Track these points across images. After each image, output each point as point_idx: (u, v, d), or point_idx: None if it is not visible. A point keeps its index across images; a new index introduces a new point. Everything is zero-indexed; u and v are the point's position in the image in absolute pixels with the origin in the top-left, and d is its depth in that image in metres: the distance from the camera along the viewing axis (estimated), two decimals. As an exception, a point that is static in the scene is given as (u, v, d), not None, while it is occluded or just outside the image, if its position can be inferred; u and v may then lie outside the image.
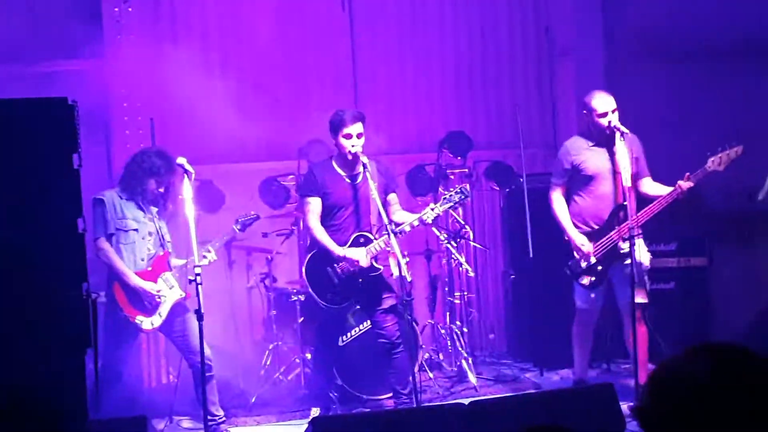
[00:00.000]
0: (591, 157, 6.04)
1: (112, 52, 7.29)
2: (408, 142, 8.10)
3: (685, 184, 5.76)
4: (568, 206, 6.14)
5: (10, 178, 3.87)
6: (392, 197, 5.98)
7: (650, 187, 5.99)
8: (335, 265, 5.78)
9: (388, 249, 5.72)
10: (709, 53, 7.47)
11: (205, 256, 5.79)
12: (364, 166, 5.68)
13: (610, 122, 5.85)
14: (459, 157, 7.67)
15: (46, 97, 3.88)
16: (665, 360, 1.94)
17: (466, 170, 7.69)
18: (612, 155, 5.94)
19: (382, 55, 8.17)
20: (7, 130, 3.85)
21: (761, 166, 6.97)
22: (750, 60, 7.39)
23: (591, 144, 6.05)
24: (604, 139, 5.97)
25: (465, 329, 7.34)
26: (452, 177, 7.61)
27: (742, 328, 6.91)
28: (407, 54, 8.24)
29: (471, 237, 7.56)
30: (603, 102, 5.92)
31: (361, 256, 5.73)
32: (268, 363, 6.81)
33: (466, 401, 5.21)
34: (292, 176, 7.29)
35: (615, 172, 5.94)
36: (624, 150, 5.75)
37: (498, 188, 7.71)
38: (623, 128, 5.81)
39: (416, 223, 5.73)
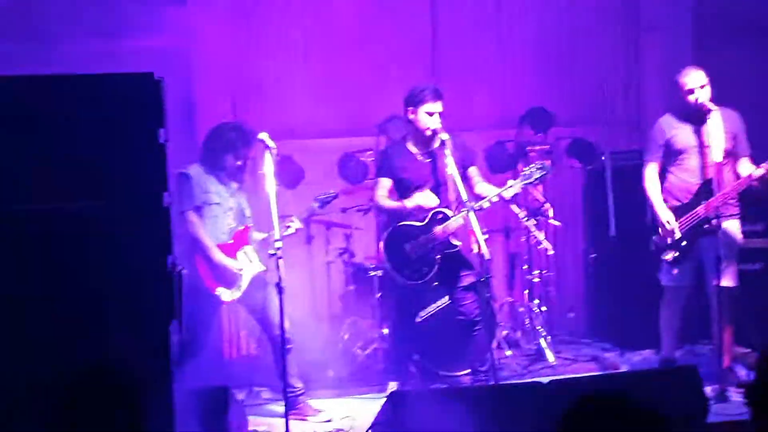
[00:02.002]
0: (680, 132, 5.98)
1: (197, 30, 7.38)
2: (488, 117, 8.02)
3: (757, 173, 5.64)
4: (662, 182, 6.06)
5: (98, 152, 3.93)
6: (472, 170, 5.94)
7: (744, 168, 5.85)
8: (413, 241, 5.78)
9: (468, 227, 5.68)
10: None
11: (289, 226, 5.88)
12: (443, 142, 5.64)
13: (697, 99, 5.75)
14: (540, 134, 7.57)
15: (133, 72, 3.93)
16: None
17: (547, 147, 7.59)
18: (701, 131, 5.84)
19: (462, 30, 8.08)
20: (96, 105, 3.91)
21: None
22: None
23: (681, 119, 5.98)
24: (694, 114, 5.87)
25: (544, 308, 7.27)
26: (533, 154, 7.52)
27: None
28: (488, 28, 8.13)
29: (551, 215, 7.46)
30: (692, 78, 5.84)
31: (429, 196, 5.72)
32: (345, 337, 6.86)
33: (545, 380, 5.18)
34: (370, 152, 7.29)
35: (703, 147, 5.84)
36: (717, 126, 5.71)
37: (580, 165, 7.58)
38: (711, 105, 5.70)
39: (495, 199, 5.68)
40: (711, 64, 6.18)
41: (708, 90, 5.81)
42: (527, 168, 5.79)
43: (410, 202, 5.77)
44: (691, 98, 5.81)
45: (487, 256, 5.37)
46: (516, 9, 8.15)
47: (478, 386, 5.68)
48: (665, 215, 5.94)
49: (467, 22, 8.09)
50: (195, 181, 5.75)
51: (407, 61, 7.94)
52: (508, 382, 6.00)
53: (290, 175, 7.00)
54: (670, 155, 6.04)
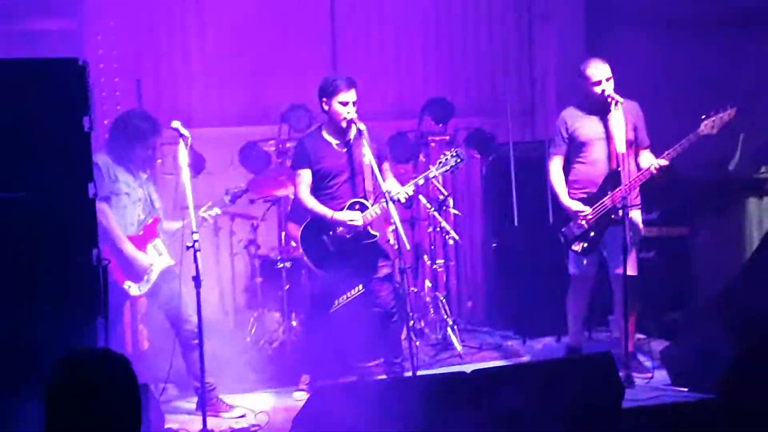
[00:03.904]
0: (585, 124, 6.06)
1: (89, 12, 7.09)
2: (388, 107, 8.02)
3: (660, 163, 5.83)
4: (568, 174, 6.15)
5: (21, 140, 3.74)
6: (385, 166, 5.89)
7: (645, 160, 6.03)
8: (331, 232, 5.71)
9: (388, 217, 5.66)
10: (693, 18, 7.50)
11: (214, 212, 5.86)
12: (359, 131, 5.59)
13: (603, 90, 5.89)
14: (440, 124, 7.62)
15: (57, 57, 3.75)
16: None
17: (447, 137, 7.65)
18: (606, 122, 5.97)
19: (361, 19, 8.08)
20: (18, 91, 3.71)
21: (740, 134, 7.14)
22: (733, 25, 7.46)
23: (586, 111, 6.08)
24: (599, 106, 5.98)
25: (443, 298, 7.28)
26: (433, 144, 7.57)
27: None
28: (387, 18, 8.14)
29: (451, 205, 7.53)
30: (597, 70, 5.94)
31: (356, 216, 5.66)
32: (252, 331, 6.73)
33: (466, 369, 5.22)
34: (272, 141, 7.18)
35: (609, 138, 5.97)
36: (619, 117, 5.82)
37: (479, 156, 7.67)
38: (617, 97, 5.85)
39: (411, 190, 5.66)
40: (604, 53, 6.35)
41: (612, 82, 5.95)
42: (443, 155, 5.80)
43: (338, 215, 5.67)
44: (597, 90, 5.91)
45: (407, 246, 5.36)
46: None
47: (405, 377, 5.65)
48: (575, 206, 6.04)
49: (366, 12, 8.08)
50: (104, 171, 5.50)
51: (307, 50, 7.86)
52: (429, 372, 6.00)
53: (191, 164, 6.80)
54: (575, 147, 6.10)
